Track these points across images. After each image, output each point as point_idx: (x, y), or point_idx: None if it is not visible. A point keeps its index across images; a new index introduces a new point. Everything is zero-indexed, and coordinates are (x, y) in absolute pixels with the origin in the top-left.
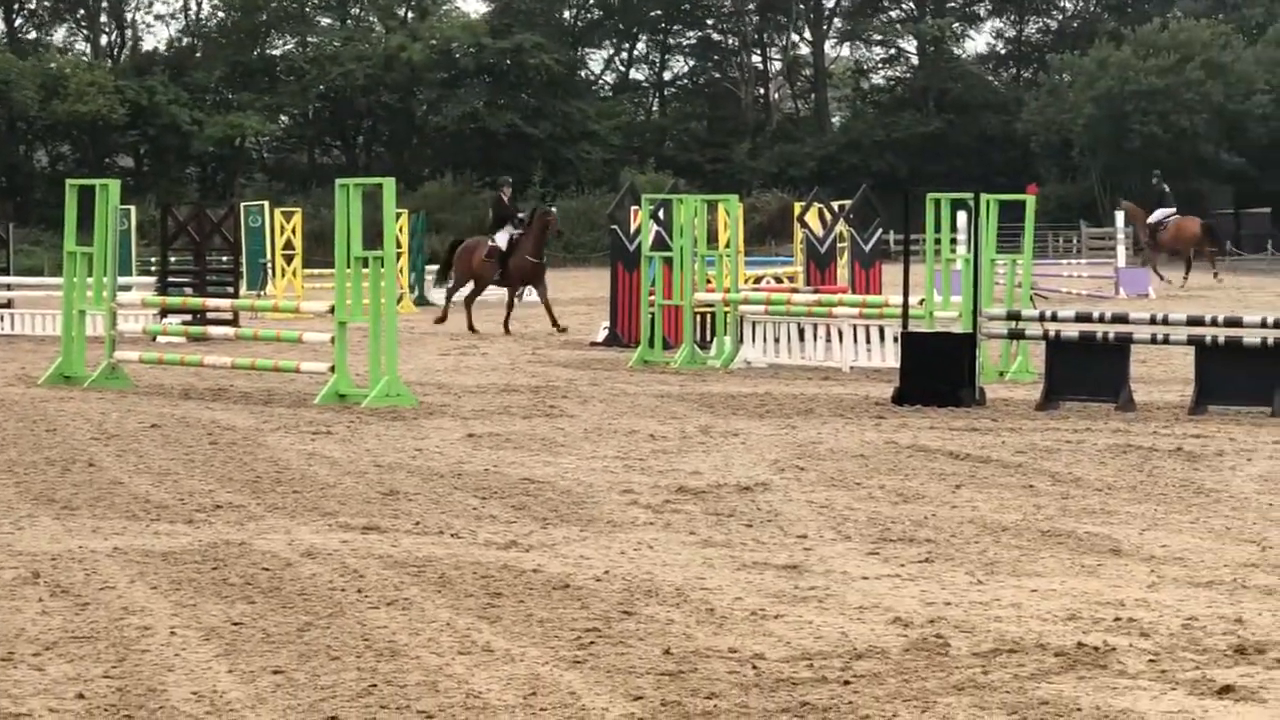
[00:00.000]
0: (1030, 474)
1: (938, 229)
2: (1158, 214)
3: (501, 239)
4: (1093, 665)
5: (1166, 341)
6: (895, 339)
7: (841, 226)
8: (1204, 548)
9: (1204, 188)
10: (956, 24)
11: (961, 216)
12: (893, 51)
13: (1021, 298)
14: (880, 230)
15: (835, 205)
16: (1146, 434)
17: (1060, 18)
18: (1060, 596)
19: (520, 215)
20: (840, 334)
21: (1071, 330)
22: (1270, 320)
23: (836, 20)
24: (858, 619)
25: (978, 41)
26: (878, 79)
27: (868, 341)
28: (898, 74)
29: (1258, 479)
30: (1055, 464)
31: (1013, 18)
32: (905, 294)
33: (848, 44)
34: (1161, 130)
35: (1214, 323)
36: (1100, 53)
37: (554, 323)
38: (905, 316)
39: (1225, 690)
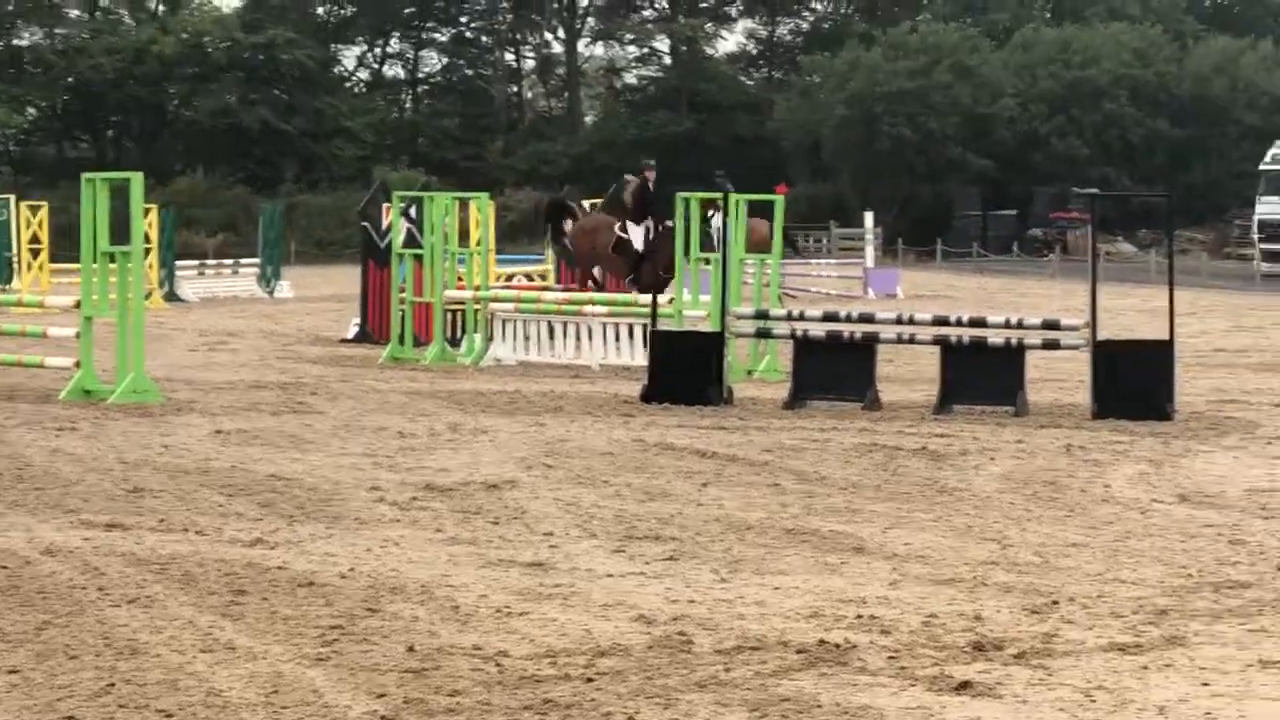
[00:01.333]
0: (776, 472)
1: (688, 228)
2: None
3: (637, 235)
4: (834, 662)
5: (913, 341)
6: (644, 338)
7: None
8: (946, 546)
9: (952, 189)
10: (709, 24)
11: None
12: (646, 51)
13: (770, 297)
14: None
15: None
16: (892, 433)
17: (811, 19)
18: (803, 594)
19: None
20: (590, 332)
21: (819, 330)
22: (1014, 321)
23: (590, 19)
24: (602, 616)
25: (730, 42)
26: (631, 78)
27: (617, 340)
28: (651, 73)
29: (999, 478)
30: (801, 462)
31: (764, 19)
32: (654, 293)
33: (601, 43)
34: (910, 132)
35: (959, 323)
36: (850, 54)
37: None
38: (654, 315)
39: (963, 686)
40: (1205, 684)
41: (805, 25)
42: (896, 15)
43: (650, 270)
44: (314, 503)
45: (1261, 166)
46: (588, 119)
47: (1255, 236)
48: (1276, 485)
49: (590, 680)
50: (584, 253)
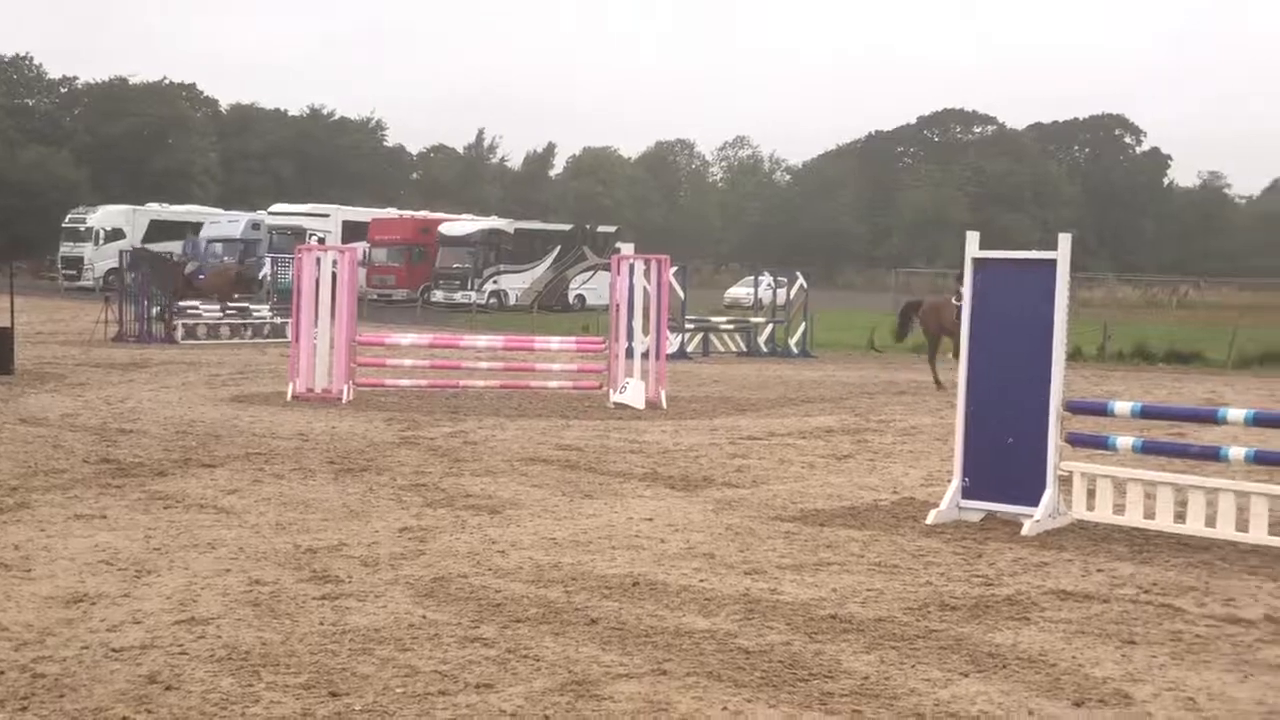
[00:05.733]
0: None
1: None
2: None
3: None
4: None
5: None
6: None
7: None
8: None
9: None
10: None
11: None
12: None
13: None
14: None
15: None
16: None
17: None
18: None
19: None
20: None
21: None
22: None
23: None
24: None
25: None
26: None
27: None
28: None
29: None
30: None
31: None
32: None
33: None
34: None
35: None
36: None
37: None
38: None
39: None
40: (43, 530)
41: None
42: None
43: None
44: None
45: (63, 225)
46: None
47: (59, 266)
48: (80, 411)
49: None
50: (932, 326)
